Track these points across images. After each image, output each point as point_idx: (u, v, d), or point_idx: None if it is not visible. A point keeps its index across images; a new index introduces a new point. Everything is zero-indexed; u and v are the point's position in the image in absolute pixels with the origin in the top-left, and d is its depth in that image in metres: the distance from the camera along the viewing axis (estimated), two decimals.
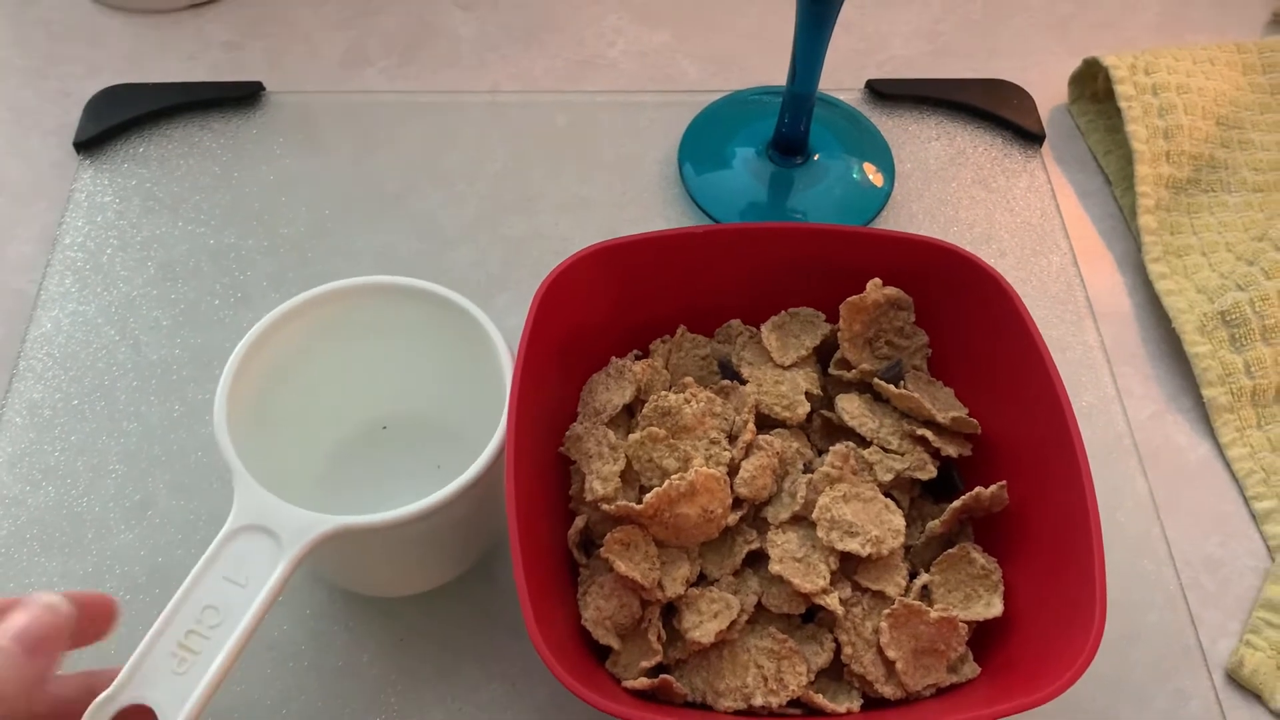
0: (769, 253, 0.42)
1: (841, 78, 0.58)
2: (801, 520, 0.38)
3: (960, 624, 0.36)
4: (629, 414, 0.41)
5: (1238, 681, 0.41)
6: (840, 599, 0.36)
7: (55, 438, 0.45)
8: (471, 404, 0.40)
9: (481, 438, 0.36)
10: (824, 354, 0.43)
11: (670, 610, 0.37)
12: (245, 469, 0.35)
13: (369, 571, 0.39)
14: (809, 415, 0.41)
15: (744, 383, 0.41)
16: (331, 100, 0.56)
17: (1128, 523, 0.45)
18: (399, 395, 0.43)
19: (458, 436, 0.42)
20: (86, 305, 0.48)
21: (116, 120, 0.54)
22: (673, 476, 0.36)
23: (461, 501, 0.35)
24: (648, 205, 0.53)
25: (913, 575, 0.38)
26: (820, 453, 0.40)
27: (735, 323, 0.43)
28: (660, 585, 0.37)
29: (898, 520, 0.38)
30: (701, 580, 0.38)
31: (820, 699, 0.35)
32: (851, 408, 0.40)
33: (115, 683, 0.31)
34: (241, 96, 0.55)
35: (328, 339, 0.40)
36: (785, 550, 0.37)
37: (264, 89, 0.56)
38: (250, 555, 0.33)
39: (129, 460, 0.44)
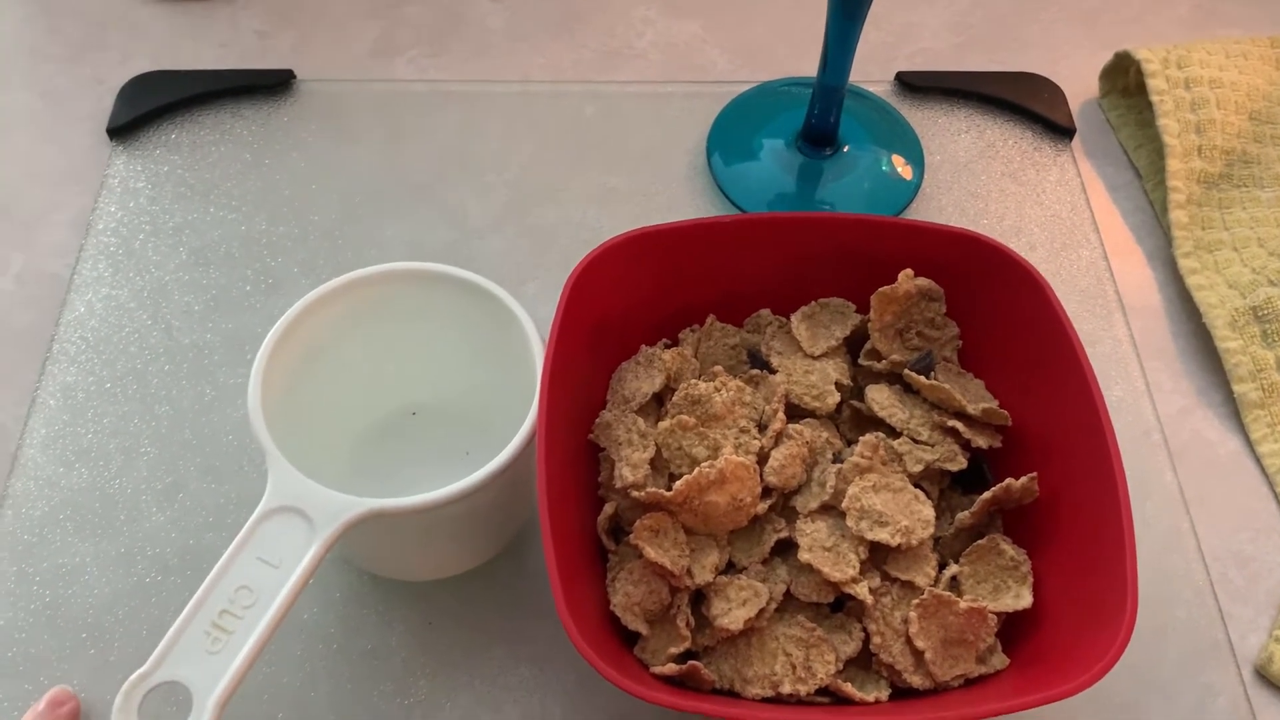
0: (800, 243, 0.42)
1: (871, 70, 0.58)
2: (831, 509, 0.38)
3: (989, 615, 0.36)
4: (658, 402, 0.41)
5: (1267, 678, 0.41)
6: (869, 588, 0.36)
7: (88, 420, 0.45)
8: (501, 390, 0.40)
9: (510, 424, 0.36)
10: (854, 344, 0.43)
11: (699, 597, 0.37)
12: (279, 451, 0.35)
13: (399, 555, 0.40)
14: (839, 406, 0.41)
15: (773, 372, 0.41)
16: (362, 89, 0.56)
17: (1156, 517, 0.44)
18: (429, 381, 0.43)
19: (486, 423, 0.42)
20: (119, 290, 0.49)
21: (149, 107, 0.54)
22: (702, 464, 0.36)
23: (493, 486, 0.35)
24: (676, 195, 0.53)
25: (942, 566, 0.38)
26: (850, 443, 0.40)
27: (765, 312, 0.43)
28: (689, 572, 0.37)
29: (927, 511, 0.38)
30: (730, 568, 0.38)
31: (848, 688, 0.35)
32: (881, 398, 0.40)
33: (149, 661, 0.31)
34: (273, 84, 0.55)
35: (359, 324, 0.40)
36: (815, 539, 0.37)
37: (295, 77, 0.56)
38: (283, 536, 0.33)
39: (161, 443, 0.45)
